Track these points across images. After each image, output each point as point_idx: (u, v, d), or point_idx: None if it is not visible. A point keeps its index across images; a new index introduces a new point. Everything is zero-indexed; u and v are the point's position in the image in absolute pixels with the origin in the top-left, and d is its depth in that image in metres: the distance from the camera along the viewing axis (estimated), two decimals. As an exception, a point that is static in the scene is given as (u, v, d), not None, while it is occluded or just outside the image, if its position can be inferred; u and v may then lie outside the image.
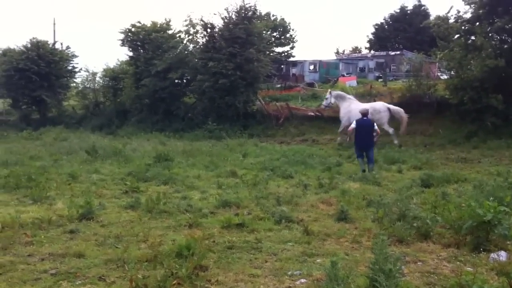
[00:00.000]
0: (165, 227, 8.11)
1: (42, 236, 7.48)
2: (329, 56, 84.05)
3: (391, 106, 21.67)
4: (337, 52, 76.38)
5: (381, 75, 49.75)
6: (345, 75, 50.22)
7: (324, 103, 24.70)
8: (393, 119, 21.39)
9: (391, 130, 20.96)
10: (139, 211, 9.08)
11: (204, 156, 17.42)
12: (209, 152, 18.70)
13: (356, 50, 76.49)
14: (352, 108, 21.63)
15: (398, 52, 54.66)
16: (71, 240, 7.35)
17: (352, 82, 43.39)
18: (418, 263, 6.34)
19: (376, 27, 71.23)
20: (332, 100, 23.52)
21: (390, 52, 57.42)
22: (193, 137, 26.46)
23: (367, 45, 73.40)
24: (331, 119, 26.09)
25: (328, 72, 51.17)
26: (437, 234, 7.35)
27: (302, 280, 5.71)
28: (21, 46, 37.29)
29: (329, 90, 24.96)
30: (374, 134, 14.41)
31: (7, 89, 37.49)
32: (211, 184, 12.29)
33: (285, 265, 6.22)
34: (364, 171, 13.74)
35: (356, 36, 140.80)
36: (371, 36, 72.12)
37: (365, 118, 14.61)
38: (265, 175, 13.11)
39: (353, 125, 14.66)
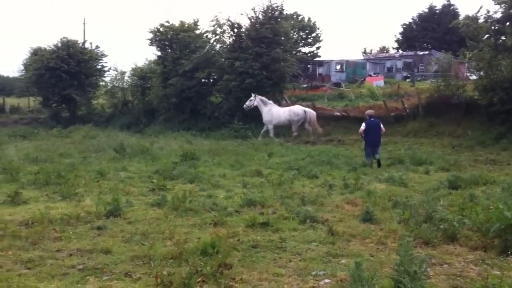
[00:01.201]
0: (190, 225, 8.18)
1: (71, 232, 7.62)
2: (356, 56, 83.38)
3: (307, 109, 24.52)
4: (364, 52, 75.93)
5: (409, 75, 49.20)
6: (372, 75, 49.79)
7: (247, 103, 25.79)
8: (307, 120, 24.21)
9: (310, 129, 24.16)
10: (165, 209, 9.17)
11: (229, 155, 17.49)
12: (234, 151, 18.76)
13: (383, 50, 75.83)
14: (273, 112, 24.66)
15: (427, 52, 53.99)
16: (99, 236, 7.48)
17: (379, 82, 43.00)
18: (444, 265, 6.27)
19: (404, 26, 70.51)
20: (255, 103, 25.21)
21: (418, 52, 56.74)
22: (219, 136, 26.59)
23: (395, 45, 72.84)
24: (357, 119, 25.88)
25: (355, 72, 50.81)
26: (464, 236, 7.25)
27: (326, 280, 5.71)
28: (51, 46, 37.91)
29: (255, 94, 25.93)
30: (381, 132, 16.09)
31: (38, 88, 38.11)
32: (236, 183, 12.34)
33: (309, 265, 6.23)
34: (371, 166, 15.24)
35: (384, 36, 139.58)
36: (399, 36, 71.50)
37: (372, 119, 16.17)
38: (290, 175, 13.10)
39: (363, 126, 16.06)
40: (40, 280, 5.70)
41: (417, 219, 7.87)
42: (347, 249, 6.93)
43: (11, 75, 69.01)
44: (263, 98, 25.51)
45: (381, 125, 16.17)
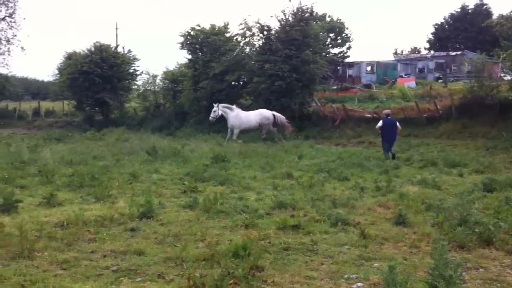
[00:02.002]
0: (222, 227, 8.23)
1: (104, 234, 7.73)
2: (387, 57, 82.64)
3: (276, 113, 25.67)
4: (395, 53, 75.04)
5: (441, 76, 48.44)
6: (404, 76, 49.14)
7: (212, 115, 26.06)
8: (277, 122, 25.50)
9: (275, 131, 25.47)
10: (197, 211, 9.24)
11: (260, 158, 17.50)
12: (265, 153, 18.76)
13: (415, 50, 74.84)
14: (241, 116, 25.45)
15: (459, 52, 53.05)
16: (132, 238, 7.58)
17: (411, 83, 42.45)
18: (480, 269, 6.16)
19: (436, 27, 69.50)
20: (220, 112, 25.62)
21: (450, 52, 55.81)
22: (249, 139, 26.59)
23: (427, 45, 71.86)
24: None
25: (385, 73, 50.26)
26: (500, 240, 7.11)
27: (359, 284, 5.67)
28: (85, 50, 38.36)
29: (217, 103, 26.25)
30: (398, 130, 17.83)
31: (72, 91, 38.69)
32: (266, 185, 12.34)
33: (342, 268, 6.19)
34: (390, 157, 17.10)
35: (415, 36, 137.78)
36: (430, 36, 70.48)
37: (389, 117, 17.98)
38: (321, 177, 13.03)
39: (380, 123, 17.70)
40: (75, 281, 5.80)
41: (451, 222, 7.75)
42: (380, 252, 6.86)
43: (46, 79, 70.59)
44: (227, 104, 26.10)
45: (397, 124, 17.83)
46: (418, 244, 7.18)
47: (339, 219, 8.28)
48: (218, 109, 25.66)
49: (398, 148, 21.13)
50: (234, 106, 26.12)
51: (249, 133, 26.36)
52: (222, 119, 30.00)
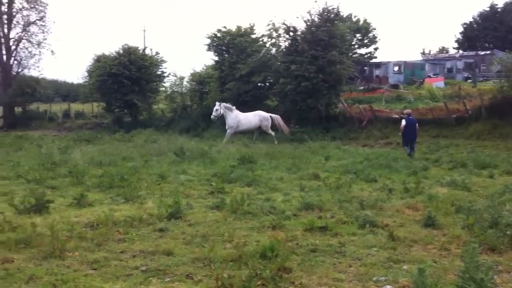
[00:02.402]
0: (249, 228, 8.24)
1: (134, 234, 7.80)
2: (415, 56, 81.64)
3: (273, 115, 26.70)
4: (423, 53, 74.13)
5: (470, 76, 47.65)
6: (432, 76, 48.45)
7: (214, 113, 26.31)
8: (274, 123, 26.33)
9: (273, 133, 26.11)
10: (224, 212, 9.26)
11: (286, 159, 17.49)
12: (291, 154, 18.75)
13: (443, 50, 73.78)
14: (240, 118, 25.83)
15: (488, 52, 52.11)
16: (161, 238, 7.63)
17: (439, 83, 41.84)
18: (512, 273, 6.05)
19: (465, 26, 68.43)
20: (221, 111, 25.90)
21: (479, 51, 54.86)
22: (276, 140, 26.63)
23: (455, 45, 70.74)
24: (417, 121, 25.31)
25: (413, 73, 49.61)
26: (532, 242, 6.96)
27: (388, 287, 5.63)
28: (114, 52, 38.85)
29: (219, 102, 26.53)
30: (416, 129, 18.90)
31: (101, 94, 39.20)
32: (293, 186, 12.31)
33: (370, 270, 6.15)
34: (409, 155, 18.28)
35: (443, 36, 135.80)
36: (459, 36, 69.40)
37: (410, 117, 19.02)
38: (348, 178, 12.96)
39: (403, 123, 18.72)
40: (105, 281, 5.87)
41: (482, 224, 7.63)
42: (409, 254, 6.79)
43: (75, 81, 71.69)
44: (228, 105, 26.32)
45: (416, 124, 19.12)
46: (448, 246, 7.08)
47: (367, 221, 8.22)
48: (220, 108, 25.86)
49: (427, 149, 20.96)
50: (233, 107, 26.36)
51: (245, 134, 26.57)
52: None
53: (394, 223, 8.44)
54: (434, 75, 49.45)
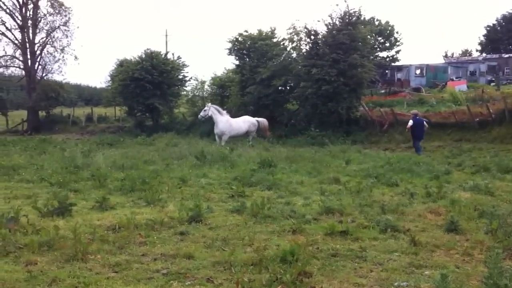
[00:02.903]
0: (269, 231, 8.22)
1: (155, 237, 7.83)
2: (437, 59, 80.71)
3: (259, 119, 27.09)
4: (446, 56, 73.43)
5: (493, 79, 47.04)
6: (454, 79, 47.94)
7: (201, 114, 26.35)
8: (260, 128, 26.61)
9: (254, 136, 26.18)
10: (245, 215, 9.27)
11: (306, 162, 17.42)
12: (311, 158, 18.67)
13: (466, 53, 72.93)
14: (231, 122, 25.76)
15: (512, 55, 51.34)
16: (181, 242, 7.65)
17: (462, 86, 41.40)
18: (537, 279, 5.93)
19: (488, 28, 67.56)
20: (210, 113, 25.57)
21: (503, 54, 54.16)
22: (296, 143, 26.58)
23: (478, 47, 69.90)
24: (439, 125, 25.11)
25: (435, 77, 49.22)
26: (558, 249, 6.83)
27: (409, 292, 5.57)
28: (136, 57, 39.16)
29: (209, 104, 26.50)
30: (425, 128, 20.60)
31: (124, 98, 39.54)
32: (314, 190, 12.25)
33: (391, 275, 6.09)
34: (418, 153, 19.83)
35: (466, 38, 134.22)
36: (482, 38, 68.53)
37: (418, 117, 20.58)
38: (369, 183, 12.86)
39: (411, 123, 20.05)
40: (126, 284, 5.91)
41: (506, 229, 7.50)
42: (431, 260, 6.71)
43: (98, 86, 72.59)
44: (218, 107, 26.18)
45: (425, 123, 20.62)
46: (471, 252, 6.98)
47: (388, 226, 8.14)
48: (209, 109, 25.64)
49: (449, 153, 20.73)
50: (224, 112, 26.21)
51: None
52: (271, 123, 30.22)
53: (416, 228, 8.35)
54: (456, 78, 48.96)
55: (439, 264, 6.48)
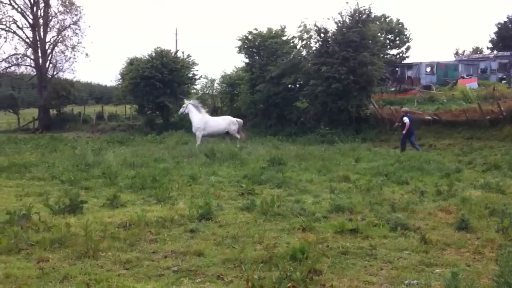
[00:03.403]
0: (279, 229, 8.24)
1: (165, 234, 7.88)
2: (448, 57, 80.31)
3: (238, 120, 26.03)
4: (456, 53, 72.90)
5: (504, 77, 46.66)
6: (465, 77, 47.59)
7: (180, 110, 26.37)
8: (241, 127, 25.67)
9: (240, 136, 25.11)
10: (255, 213, 9.28)
11: (316, 160, 17.41)
12: (321, 156, 18.65)
13: (477, 50, 72.38)
14: (208, 119, 25.08)
15: (524, 52, 50.87)
16: (192, 239, 7.69)
17: (472, 84, 41.07)
18: (549, 278, 5.89)
19: (499, 26, 66.94)
20: (186, 110, 25.36)
21: (515, 52, 53.57)
22: (306, 141, 26.55)
23: (489, 45, 69.32)
24: (450, 123, 24.96)
25: (446, 74, 48.86)
26: None
27: (420, 290, 5.56)
28: (146, 55, 39.20)
29: (187, 101, 26.25)
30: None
31: (134, 96, 39.63)
32: (323, 188, 12.26)
33: (402, 273, 6.08)
34: (417, 149, 20.63)
35: (477, 36, 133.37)
36: (493, 36, 67.95)
37: (409, 114, 21.75)
38: (379, 181, 12.83)
39: (408, 120, 20.93)
40: (137, 281, 5.94)
41: (517, 228, 7.46)
42: (442, 258, 6.69)
43: (109, 84, 72.91)
44: (198, 105, 25.79)
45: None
46: (482, 250, 6.96)
47: (398, 224, 8.13)
48: (186, 107, 25.41)
49: (460, 151, 20.62)
50: (203, 109, 25.74)
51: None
52: (281, 121, 30.23)
53: (426, 226, 8.33)
54: (467, 76, 48.59)
55: (450, 263, 6.46)
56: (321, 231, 8.03)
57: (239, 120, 26.07)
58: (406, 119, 20.89)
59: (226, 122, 25.40)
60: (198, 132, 24.58)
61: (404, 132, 21.15)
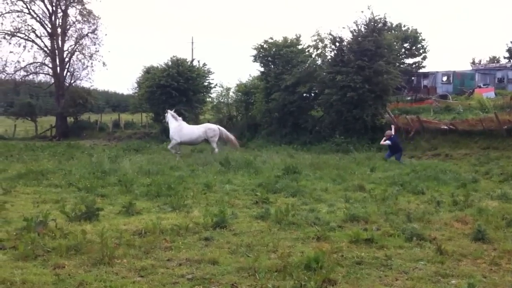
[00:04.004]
0: (293, 238, 8.22)
1: (180, 242, 7.88)
2: (464, 66, 79.60)
3: (220, 128, 25.27)
4: (473, 62, 72.32)
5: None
6: (482, 86, 47.20)
7: (166, 119, 26.34)
8: (222, 137, 24.86)
9: (217, 149, 23.60)
10: (269, 222, 9.27)
11: (331, 169, 17.36)
12: (336, 165, 18.60)
13: (493, 59, 71.76)
14: (182, 127, 24.59)
15: (541, 61, 50.33)
16: (206, 247, 7.70)
17: (489, 93, 40.73)
18: None
19: (517, 35, 66.43)
20: (167, 119, 25.53)
21: (532, 61, 53.06)
22: (320, 150, 26.50)
23: (506, 54, 68.66)
24: (466, 132, 24.74)
25: (462, 84, 48.51)
26: None
27: (435, 301, 5.51)
28: (163, 64, 39.58)
29: (168, 110, 26.28)
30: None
31: (150, 104, 39.98)
32: (338, 197, 12.21)
33: (417, 284, 6.03)
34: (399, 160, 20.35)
35: (494, 45, 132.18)
36: (510, 45, 67.35)
37: (394, 136, 21.41)
38: (395, 190, 12.74)
39: (389, 142, 20.90)
40: (152, 289, 5.97)
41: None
42: (458, 269, 6.63)
43: (125, 92, 73.44)
44: (174, 114, 25.64)
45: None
46: (499, 261, 6.87)
47: (414, 234, 8.06)
48: (166, 117, 25.71)
49: (476, 161, 20.42)
50: (180, 118, 25.72)
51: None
52: (296, 130, 30.15)
53: (442, 237, 8.26)
54: (484, 85, 48.19)
55: (466, 274, 6.40)
56: (336, 240, 8.00)
57: (221, 128, 25.43)
58: (388, 142, 21.03)
59: (200, 130, 24.80)
60: (173, 140, 24.54)
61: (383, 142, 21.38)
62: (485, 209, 9.99)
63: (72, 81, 48.55)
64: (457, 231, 8.66)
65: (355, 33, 30.15)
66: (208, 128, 24.73)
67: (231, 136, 25.56)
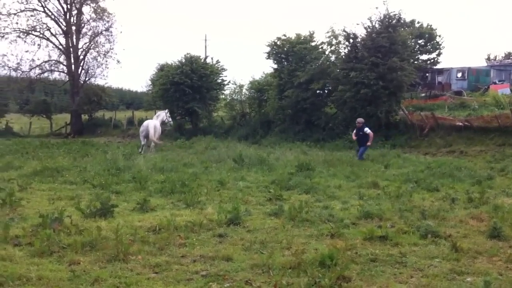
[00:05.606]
0: (307, 235, 8.22)
1: (194, 239, 7.93)
2: (479, 63, 78.81)
3: (152, 125, 24.00)
4: (488, 59, 71.51)
5: (537, 82, 45.60)
6: (497, 82, 46.66)
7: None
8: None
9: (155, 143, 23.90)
10: (283, 219, 9.28)
11: (345, 166, 17.31)
12: (350, 162, 18.54)
13: (509, 55, 70.91)
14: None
15: (559, 56, 49.65)
16: (220, 244, 7.73)
17: (505, 90, 40.23)
18: None
19: (534, 30, 65.57)
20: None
21: (549, 56, 52.35)
22: (334, 147, 26.43)
23: (523, 50, 67.83)
24: (481, 129, 24.48)
25: (477, 80, 47.98)
26: None
27: (451, 299, 5.48)
28: (176, 61, 39.68)
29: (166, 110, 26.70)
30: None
31: (164, 101, 40.08)
32: (352, 194, 12.18)
33: (432, 282, 5.99)
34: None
35: (509, 41, 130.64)
36: (528, 40, 66.59)
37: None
38: (409, 187, 12.68)
39: (370, 131, 20.08)
40: (166, 285, 5.99)
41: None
42: (473, 266, 6.58)
43: (139, 90, 73.92)
44: (158, 113, 26.39)
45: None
46: (515, 259, 6.81)
47: (429, 231, 8.02)
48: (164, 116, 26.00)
49: (492, 158, 20.25)
50: (155, 117, 26.09)
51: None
52: (309, 127, 30.09)
53: (458, 234, 8.20)
54: (499, 81, 47.64)
55: (482, 271, 6.35)
56: (350, 237, 7.98)
57: (150, 125, 24.10)
58: (368, 130, 20.13)
59: (144, 126, 24.48)
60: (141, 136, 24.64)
61: (369, 143, 20.34)
62: (500, 206, 9.91)
63: (87, 79, 48.98)
64: (473, 228, 8.60)
65: (369, 30, 29.95)
66: (149, 125, 24.12)
67: (154, 137, 23.97)
